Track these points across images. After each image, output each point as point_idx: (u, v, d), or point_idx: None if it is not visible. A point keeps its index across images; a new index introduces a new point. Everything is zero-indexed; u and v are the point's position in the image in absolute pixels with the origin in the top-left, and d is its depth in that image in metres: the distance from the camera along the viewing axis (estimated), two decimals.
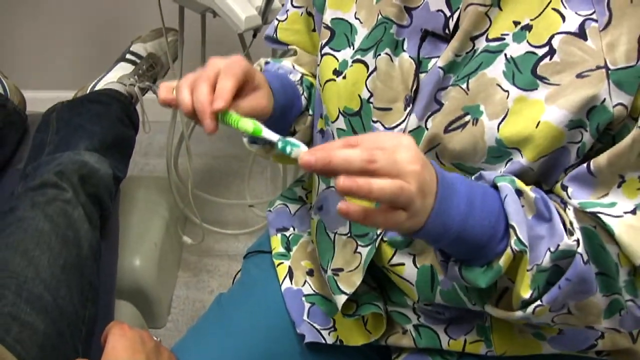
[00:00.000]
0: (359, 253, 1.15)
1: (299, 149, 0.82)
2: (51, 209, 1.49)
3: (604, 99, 0.87)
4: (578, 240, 0.88)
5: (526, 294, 0.88)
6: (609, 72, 0.87)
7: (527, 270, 0.87)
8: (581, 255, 0.87)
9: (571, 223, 0.90)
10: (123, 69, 2.08)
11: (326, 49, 1.13)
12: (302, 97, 1.20)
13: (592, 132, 0.90)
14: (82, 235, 1.50)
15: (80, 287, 1.42)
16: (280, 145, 0.84)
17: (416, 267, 1.10)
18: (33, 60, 2.94)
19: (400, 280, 1.12)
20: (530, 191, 0.89)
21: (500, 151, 0.94)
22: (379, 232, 1.11)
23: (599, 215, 0.90)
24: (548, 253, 0.87)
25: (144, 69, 2.09)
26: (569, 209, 0.93)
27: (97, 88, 2.01)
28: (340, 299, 1.17)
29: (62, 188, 1.55)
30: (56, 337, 1.30)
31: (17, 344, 1.22)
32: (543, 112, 0.90)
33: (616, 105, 0.87)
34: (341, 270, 1.18)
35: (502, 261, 0.86)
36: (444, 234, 0.84)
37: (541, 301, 0.88)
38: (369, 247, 1.13)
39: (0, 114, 1.86)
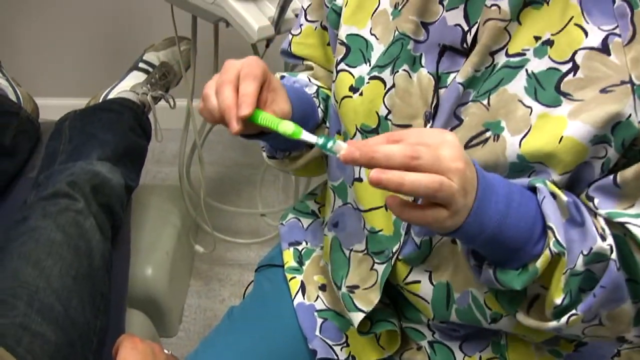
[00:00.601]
0: (375, 270, 1.14)
1: (340, 144, 0.83)
2: (63, 219, 1.49)
3: (630, 115, 0.86)
4: (611, 246, 0.87)
5: (559, 298, 0.88)
6: (635, 87, 0.86)
7: (562, 274, 0.86)
8: (615, 261, 0.87)
9: (603, 229, 0.90)
10: (136, 78, 2.09)
11: (342, 65, 1.12)
12: (319, 109, 1.20)
13: (617, 148, 0.89)
14: (93, 246, 1.50)
15: (91, 298, 1.42)
16: (321, 142, 0.86)
17: (432, 284, 1.09)
18: (46, 68, 2.95)
19: (415, 298, 1.12)
20: (563, 194, 0.88)
21: (523, 166, 0.93)
22: (394, 249, 1.10)
23: (627, 225, 0.90)
24: (581, 256, 0.87)
25: (156, 78, 2.09)
26: (600, 216, 0.92)
27: (109, 96, 2.01)
28: (357, 317, 1.16)
29: (74, 198, 1.55)
30: (67, 347, 1.30)
31: (28, 354, 1.22)
32: (565, 128, 0.89)
33: None
34: (357, 287, 1.17)
35: (540, 263, 0.86)
36: (480, 233, 0.84)
37: (576, 310, 0.88)
38: (385, 264, 1.12)
39: (13, 123, 1.87)
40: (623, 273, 0.90)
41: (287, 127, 0.92)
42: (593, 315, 0.91)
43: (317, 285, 1.29)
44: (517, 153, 0.92)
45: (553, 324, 0.90)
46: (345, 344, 1.22)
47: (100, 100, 2.01)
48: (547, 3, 0.92)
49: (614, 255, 0.87)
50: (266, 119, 0.94)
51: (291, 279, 1.31)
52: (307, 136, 0.90)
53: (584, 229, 0.88)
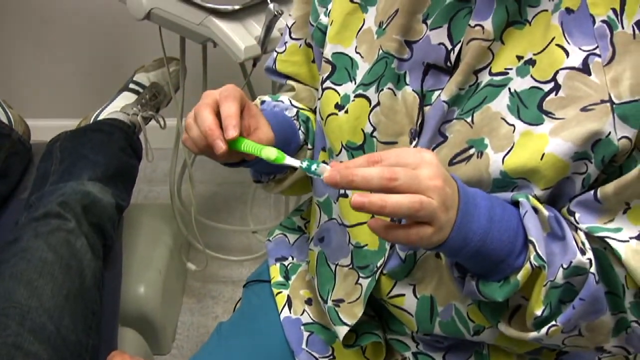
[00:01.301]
0: (360, 284, 1.16)
1: (323, 167, 0.85)
2: (54, 239, 1.50)
3: (609, 132, 0.88)
4: (591, 260, 0.90)
5: (539, 309, 0.90)
6: (614, 106, 0.87)
7: (543, 286, 0.88)
8: (594, 275, 0.90)
9: (583, 243, 0.92)
10: (126, 99, 2.10)
11: (327, 83, 1.13)
12: (300, 131, 1.22)
13: (597, 164, 0.91)
14: (85, 265, 1.51)
15: (83, 317, 1.43)
16: (305, 165, 0.88)
17: (416, 297, 1.10)
18: (38, 89, 2.96)
19: (399, 311, 1.13)
20: (544, 209, 0.90)
21: (506, 182, 0.94)
22: (379, 264, 1.11)
23: (607, 239, 0.92)
24: (561, 269, 0.89)
25: (147, 98, 2.11)
26: (580, 231, 0.94)
27: (100, 117, 2.02)
28: (342, 330, 1.18)
29: (65, 218, 1.56)
30: None
31: None
32: (547, 144, 0.90)
33: (621, 138, 0.88)
34: (342, 301, 1.19)
35: (521, 276, 0.88)
36: (464, 247, 0.86)
37: (556, 322, 0.91)
38: (369, 279, 1.13)
39: (5, 145, 1.88)
40: (602, 286, 0.92)
41: (270, 153, 0.94)
42: (572, 326, 0.94)
43: (303, 300, 1.30)
44: (500, 169, 0.93)
45: (534, 334, 0.93)
46: (331, 357, 1.24)
47: (91, 121, 2.02)
48: (530, 23, 0.94)
49: (593, 269, 0.89)
50: (249, 145, 0.96)
51: (277, 293, 1.32)
52: (290, 161, 0.92)
53: (564, 243, 0.90)
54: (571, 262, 0.89)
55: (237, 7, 1.66)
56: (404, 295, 1.11)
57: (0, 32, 2.81)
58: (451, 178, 0.86)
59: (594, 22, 0.89)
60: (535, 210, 0.89)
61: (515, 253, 0.88)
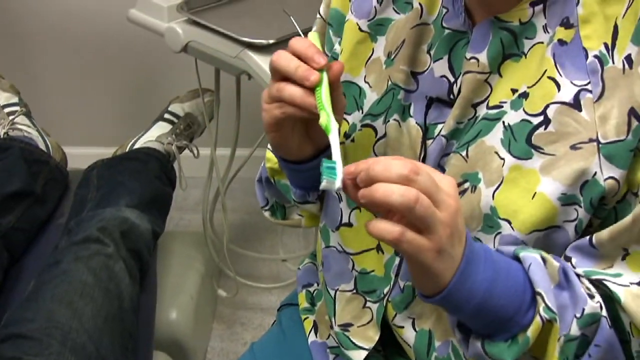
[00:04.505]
0: (369, 308, 1.15)
1: (330, 182, 0.81)
2: (94, 263, 1.54)
3: (595, 173, 0.85)
4: (600, 304, 0.85)
5: None
6: (600, 145, 0.85)
7: (557, 341, 0.84)
8: (606, 318, 0.85)
9: (589, 288, 0.87)
10: (161, 128, 2.14)
11: None
12: None
13: (587, 207, 0.87)
14: (123, 288, 1.54)
15: (121, 338, 1.46)
16: (323, 165, 0.83)
17: (415, 330, 1.09)
18: (75, 118, 3.00)
19: (401, 340, 1.13)
20: (553, 259, 0.86)
21: (493, 221, 0.92)
22: (385, 291, 1.11)
23: (605, 282, 0.87)
24: (575, 320, 0.83)
25: (181, 128, 2.15)
26: (582, 277, 0.89)
27: (136, 146, 2.07)
28: (359, 355, 1.17)
29: (104, 243, 1.60)
30: None
31: None
32: (539, 184, 0.88)
33: (607, 179, 0.85)
34: (351, 325, 1.18)
35: (531, 332, 0.83)
36: (468, 300, 0.82)
37: None
38: (378, 304, 1.14)
39: (43, 171, 1.93)
40: (615, 333, 0.87)
41: (323, 118, 0.89)
42: None
43: (328, 325, 1.29)
44: (490, 205, 0.92)
45: None
46: None
47: (127, 150, 2.07)
48: (525, 56, 0.92)
49: (604, 312, 0.85)
50: (319, 95, 0.90)
51: (305, 319, 1.33)
52: (333, 139, 0.87)
53: (573, 292, 0.85)
54: (584, 309, 0.84)
55: (271, 41, 1.69)
56: (403, 327, 1.11)
57: (39, 62, 2.87)
58: (462, 214, 0.80)
59: (586, 56, 0.87)
60: (544, 260, 0.86)
61: (523, 309, 0.84)
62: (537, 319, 0.83)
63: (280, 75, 0.92)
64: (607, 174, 0.85)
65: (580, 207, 0.88)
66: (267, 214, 1.32)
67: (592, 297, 0.85)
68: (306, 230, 2.80)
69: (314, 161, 1.05)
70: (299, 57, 0.90)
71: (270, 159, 1.23)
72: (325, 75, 0.90)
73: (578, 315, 0.84)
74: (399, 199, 0.73)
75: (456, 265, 0.80)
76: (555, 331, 0.83)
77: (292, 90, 0.90)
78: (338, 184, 0.81)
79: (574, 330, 0.83)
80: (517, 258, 0.88)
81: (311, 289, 1.38)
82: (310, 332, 1.31)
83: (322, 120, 0.88)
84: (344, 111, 1.03)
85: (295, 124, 0.99)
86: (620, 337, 0.88)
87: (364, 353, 1.17)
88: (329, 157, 0.85)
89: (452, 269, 0.79)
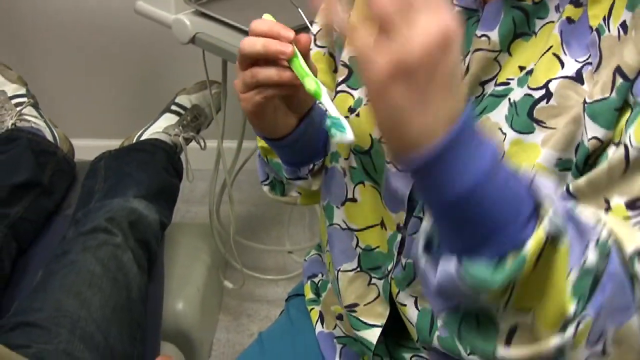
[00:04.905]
0: (375, 285, 1.15)
1: (342, 136, 0.82)
2: (102, 253, 1.55)
3: (582, 134, 0.83)
4: (609, 232, 0.71)
5: (570, 306, 0.68)
6: (585, 105, 0.82)
7: (566, 277, 0.69)
8: (614, 248, 0.71)
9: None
10: (168, 120, 2.15)
11: (342, 86, 1.11)
12: None
13: (573, 171, 0.85)
14: (131, 278, 1.55)
15: (129, 328, 1.48)
16: (328, 122, 0.84)
17: (417, 309, 1.10)
18: (81, 109, 3.02)
19: (405, 319, 1.13)
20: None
21: None
22: (389, 267, 1.11)
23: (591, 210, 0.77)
24: (592, 245, 0.70)
25: (188, 120, 2.16)
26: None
27: (143, 137, 2.08)
28: (373, 334, 1.16)
29: (112, 233, 1.61)
30: None
31: None
32: (539, 156, 0.86)
33: (591, 139, 0.82)
34: (356, 305, 1.18)
35: (529, 248, 0.66)
36: (460, 175, 0.66)
37: (586, 310, 0.68)
38: (383, 280, 1.14)
39: (50, 162, 1.95)
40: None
41: (310, 84, 0.88)
42: (600, 330, 0.70)
43: (334, 315, 1.29)
44: None
45: (555, 341, 0.69)
46: None
47: (134, 141, 2.08)
48: (535, 34, 0.91)
49: (611, 241, 0.71)
50: (298, 66, 0.89)
51: (311, 309, 1.34)
52: (326, 100, 0.87)
53: (579, 223, 0.72)
54: (597, 236, 0.70)
55: None
56: (406, 305, 1.11)
57: (46, 55, 2.88)
58: (459, 84, 0.68)
59: (591, 33, 0.85)
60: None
61: (521, 219, 0.68)
62: (540, 230, 0.67)
63: (249, 62, 0.92)
64: (591, 133, 0.82)
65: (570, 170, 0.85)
66: (266, 188, 1.31)
67: (596, 225, 0.72)
68: (312, 221, 2.83)
69: (299, 129, 1.05)
70: (266, 37, 0.90)
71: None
72: (295, 48, 0.91)
73: (593, 243, 0.70)
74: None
75: (445, 121, 0.65)
76: (564, 257, 0.68)
77: (267, 71, 0.90)
78: (350, 135, 0.82)
79: (591, 259, 0.68)
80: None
81: (316, 280, 1.38)
82: (316, 323, 1.32)
83: (310, 87, 0.88)
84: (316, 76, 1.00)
85: (276, 105, 1.00)
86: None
87: (378, 331, 1.15)
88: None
89: (437, 123, 0.65)
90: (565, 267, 0.68)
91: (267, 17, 0.97)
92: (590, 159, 0.83)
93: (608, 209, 0.79)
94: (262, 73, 0.91)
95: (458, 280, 0.70)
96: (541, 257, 0.68)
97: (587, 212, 0.74)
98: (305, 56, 0.92)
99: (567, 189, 0.82)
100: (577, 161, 0.84)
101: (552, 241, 0.68)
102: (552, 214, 0.67)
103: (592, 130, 0.82)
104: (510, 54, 0.93)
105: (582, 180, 0.81)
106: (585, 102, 0.82)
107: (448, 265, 0.71)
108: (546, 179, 0.72)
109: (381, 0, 0.63)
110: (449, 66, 0.65)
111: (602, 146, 0.82)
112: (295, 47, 0.91)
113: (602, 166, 0.79)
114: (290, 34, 0.89)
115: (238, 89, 0.96)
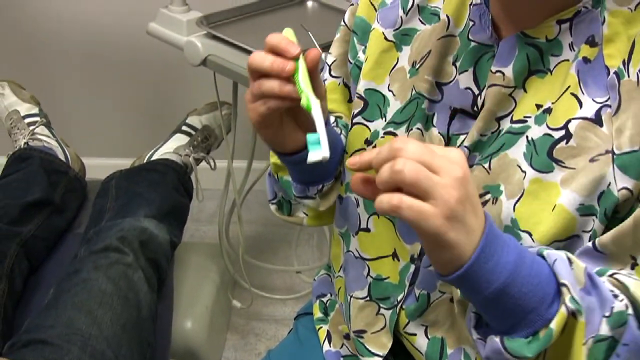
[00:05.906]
0: (382, 315, 1.17)
1: (317, 151, 0.85)
2: (113, 272, 1.56)
3: (610, 183, 0.86)
4: (626, 304, 0.82)
5: None
6: (614, 156, 0.85)
7: (583, 344, 0.80)
8: (633, 317, 0.81)
9: (612, 290, 0.84)
10: (179, 140, 2.16)
11: (358, 118, 1.13)
12: (342, 136, 1.20)
13: (601, 218, 0.88)
14: (141, 297, 1.56)
15: (139, 346, 1.49)
16: (307, 139, 0.87)
17: (427, 338, 1.11)
18: (93, 129, 3.03)
19: (412, 348, 1.15)
20: (579, 261, 0.84)
21: (514, 233, 0.91)
22: (399, 298, 1.13)
23: (616, 276, 0.86)
24: (604, 320, 0.81)
25: (198, 141, 2.17)
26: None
27: (154, 158, 2.09)
28: None
29: (123, 252, 1.62)
30: None
31: None
32: (559, 196, 0.88)
33: (621, 189, 0.85)
34: (364, 332, 1.20)
35: (555, 324, 0.79)
36: (490, 281, 0.78)
37: None
38: (391, 311, 1.15)
39: (62, 181, 1.97)
40: None
41: (303, 100, 0.92)
42: None
43: (341, 334, 1.31)
44: (511, 217, 0.92)
45: None
46: None
47: (145, 161, 2.09)
48: (551, 72, 0.93)
49: (630, 311, 0.81)
50: (297, 82, 0.92)
51: (319, 328, 1.35)
52: (317, 116, 0.90)
53: (600, 292, 0.82)
54: (612, 308, 0.81)
55: None
56: (416, 334, 1.13)
57: (58, 74, 2.90)
58: (478, 203, 0.79)
59: (608, 74, 0.88)
60: (570, 260, 0.83)
61: (547, 301, 0.80)
62: (562, 309, 0.79)
63: (258, 74, 0.94)
64: (620, 184, 0.86)
65: (597, 217, 0.88)
66: (273, 207, 1.32)
67: (616, 296, 0.83)
68: (320, 242, 2.84)
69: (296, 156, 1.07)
70: (274, 51, 0.93)
71: (274, 154, 1.24)
72: (301, 63, 0.93)
73: (607, 314, 0.81)
74: (387, 171, 0.75)
75: (476, 240, 0.77)
76: (581, 329, 0.80)
77: (270, 83, 0.93)
78: (325, 152, 0.85)
79: (604, 330, 0.81)
80: (541, 256, 0.85)
81: (324, 299, 1.39)
82: (324, 342, 1.33)
83: (303, 102, 0.91)
84: (324, 96, 1.03)
85: (283, 117, 1.02)
86: None
87: None
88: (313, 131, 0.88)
89: (471, 243, 0.77)
90: (583, 336, 0.80)
91: (287, 31, 0.99)
92: (619, 210, 0.88)
93: (635, 265, 0.87)
94: (266, 85, 0.93)
95: (503, 351, 0.83)
96: (565, 329, 0.80)
97: (607, 284, 0.84)
98: (313, 71, 0.95)
99: (594, 245, 0.88)
100: (606, 210, 0.87)
101: (572, 314, 0.80)
102: (570, 298, 0.79)
103: (623, 181, 0.86)
104: (525, 91, 0.95)
105: (608, 237, 0.87)
106: (614, 153, 0.86)
107: (494, 342, 0.84)
108: (563, 264, 0.82)
109: (409, 172, 0.73)
110: (473, 192, 0.77)
111: (633, 197, 0.86)
112: (302, 62, 0.93)
113: (628, 222, 0.85)
114: (294, 50, 0.91)
115: (247, 98, 0.98)
